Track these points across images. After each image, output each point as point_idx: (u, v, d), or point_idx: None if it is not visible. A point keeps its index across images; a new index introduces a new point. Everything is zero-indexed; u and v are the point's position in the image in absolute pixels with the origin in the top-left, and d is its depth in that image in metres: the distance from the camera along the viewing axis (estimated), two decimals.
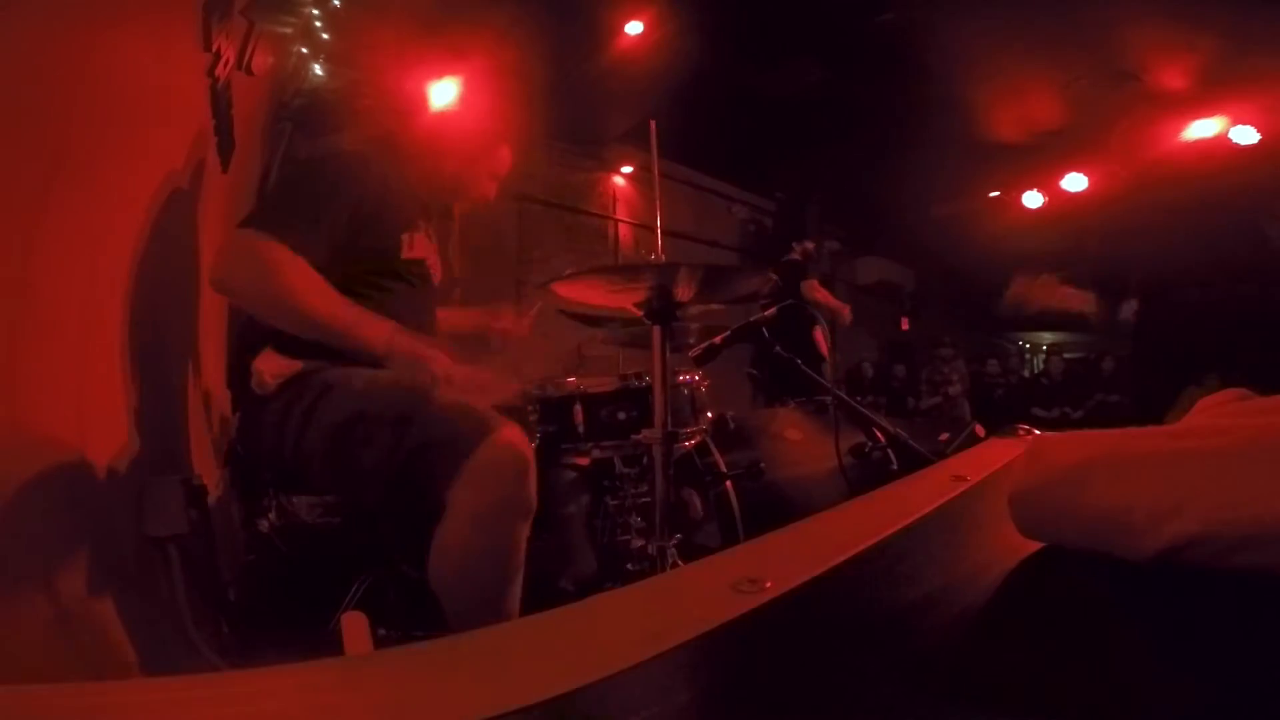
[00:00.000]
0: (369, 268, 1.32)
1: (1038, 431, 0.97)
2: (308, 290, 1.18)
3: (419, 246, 1.40)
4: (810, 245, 3.83)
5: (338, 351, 1.25)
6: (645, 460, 1.84)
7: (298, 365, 1.24)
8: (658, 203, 1.40)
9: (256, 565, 1.77)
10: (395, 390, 1.23)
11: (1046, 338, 11.14)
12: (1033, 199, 6.90)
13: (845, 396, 1.77)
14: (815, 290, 3.55)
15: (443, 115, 1.56)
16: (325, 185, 1.27)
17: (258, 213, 1.26)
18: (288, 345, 1.25)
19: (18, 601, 0.95)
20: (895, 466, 1.59)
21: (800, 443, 2.12)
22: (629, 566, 1.70)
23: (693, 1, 4.02)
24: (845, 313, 3.77)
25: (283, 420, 1.22)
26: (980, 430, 3.01)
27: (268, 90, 2.74)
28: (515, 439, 1.13)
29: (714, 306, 1.45)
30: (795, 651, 0.36)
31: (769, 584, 0.41)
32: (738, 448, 2.06)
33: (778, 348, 1.72)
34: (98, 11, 1.22)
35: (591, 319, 1.86)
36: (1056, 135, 5.83)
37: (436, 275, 1.49)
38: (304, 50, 2.84)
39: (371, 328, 1.23)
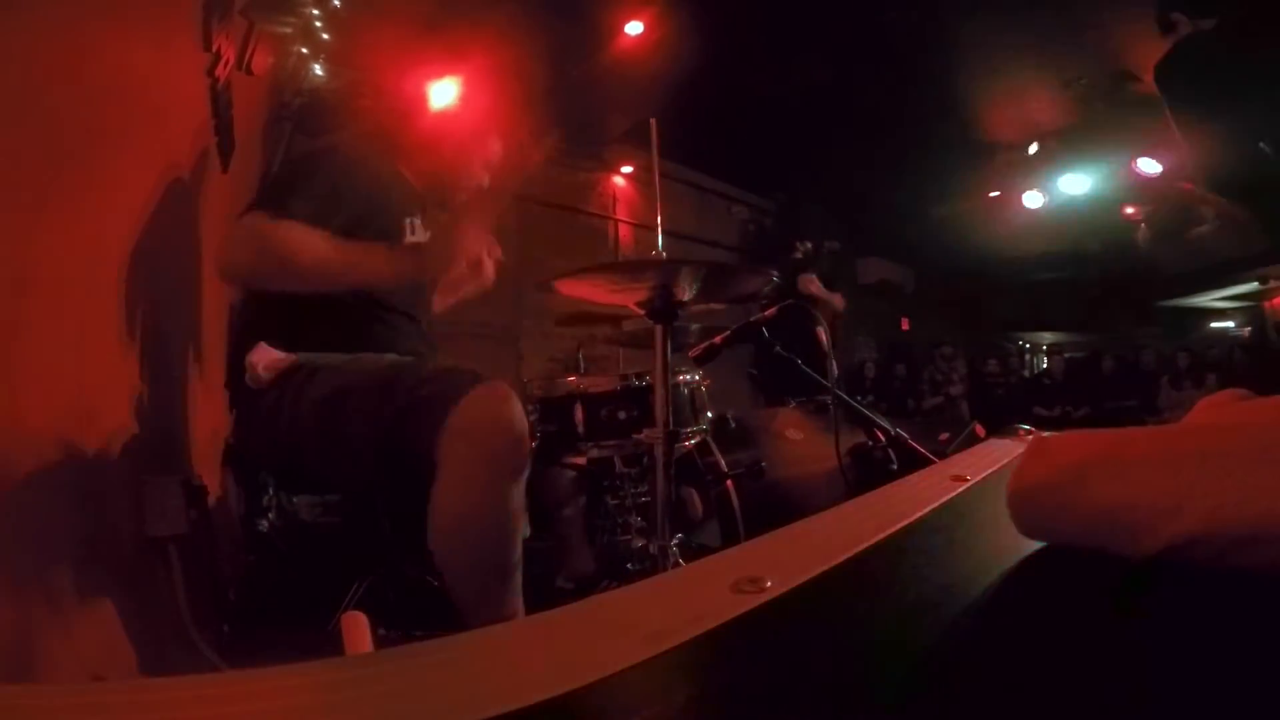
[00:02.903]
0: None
1: (1038, 431, 0.97)
2: (313, 244, 1.20)
3: (419, 234, 1.41)
4: (811, 245, 3.83)
5: (328, 343, 1.26)
6: (645, 460, 1.84)
7: (291, 358, 1.25)
8: (658, 200, 1.39)
9: (256, 565, 1.77)
10: (377, 361, 1.24)
11: (1046, 337, 11.14)
12: (1033, 199, 6.90)
13: (846, 396, 1.77)
14: (810, 284, 3.54)
15: (442, 114, 1.57)
16: (316, 169, 1.28)
17: (258, 199, 1.27)
18: (279, 339, 1.25)
19: (18, 601, 0.95)
20: (895, 466, 1.59)
21: (800, 442, 2.12)
22: (629, 566, 1.70)
23: (693, 1, 4.02)
24: (837, 301, 3.74)
25: (275, 411, 1.22)
26: (980, 430, 3.01)
27: (268, 90, 2.74)
28: (500, 393, 1.12)
29: (715, 306, 1.45)
30: (795, 651, 0.36)
31: (769, 584, 0.41)
32: (738, 447, 2.07)
33: (778, 347, 1.72)
34: (98, 11, 1.22)
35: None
36: (1056, 135, 5.83)
37: None
38: (304, 50, 2.84)
39: (387, 251, 1.27)
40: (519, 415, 1.13)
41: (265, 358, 1.24)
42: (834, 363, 3.21)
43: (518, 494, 1.13)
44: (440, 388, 1.12)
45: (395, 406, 1.13)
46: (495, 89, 1.66)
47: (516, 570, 1.13)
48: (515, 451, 1.12)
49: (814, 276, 3.59)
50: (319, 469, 1.27)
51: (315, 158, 1.39)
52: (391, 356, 1.27)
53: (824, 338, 2.74)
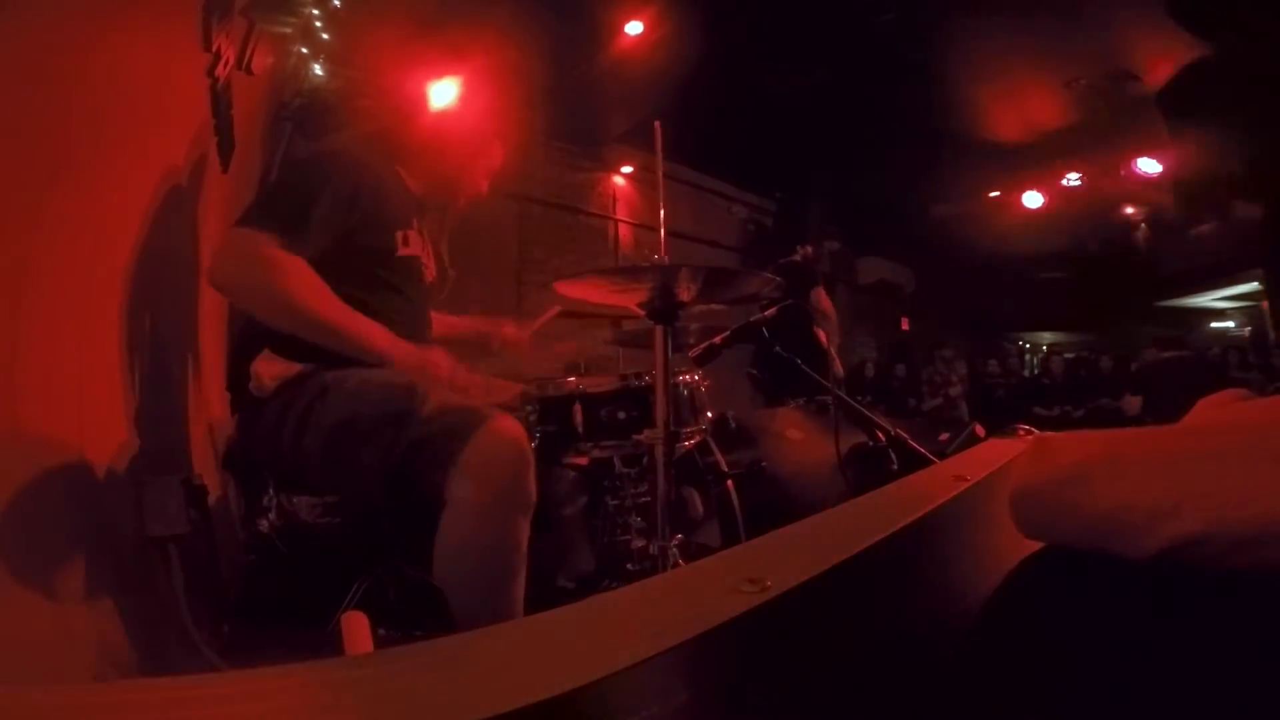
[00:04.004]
0: (362, 262, 1.31)
1: (1038, 431, 0.97)
2: (307, 292, 1.18)
3: (413, 244, 1.41)
4: (810, 249, 3.82)
5: (335, 353, 1.25)
6: (645, 460, 1.83)
7: (295, 367, 1.24)
8: (661, 203, 1.39)
9: (256, 565, 1.77)
10: (390, 389, 1.23)
11: (1046, 338, 11.15)
12: (1033, 199, 6.90)
13: (845, 396, 1.77)
14: (821, 299, 3.52)
15: (442, 114, 1.56)
16: (321, 180, 1.26)
17: (254, 209, 1.25)
18: (285, 347, 1.25)
19: (18, 601, 0.95)
20: (895, 466, 1.59)
21: (800, 442, 2.12)
22: (629, 566, 1.69)
23: (693, 1, 4.03)
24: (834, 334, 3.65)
25: (280, 422, 1.22)
26: (980, 430, 3.01)
27: (268, 90, 2.74)
28: (511, 431, 1.13)
29: (715, 306, 1.45)
30: (795, 651, 0.36)
31: (769, 584, 0.41)
32: (739, 447, 2.06)
33: (778, 348, 1.72)
34: (98, 11, 1.22)
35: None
36: (1056, 135, 5.84)
37: (430, 274, 1.50)
38: (304, 50, 2.85)
39: (372, 332, 1.24)
40: (527, 452, 1.14)
41: (270, 368, 1.24)
42: (837, 363, 3.21)
43: (525, 527, 1.15)
44: (451, 424, 1.13)
45: (406, 441, 1.14)
46: (495, 90, 1.66)
47: (519, 598, 1.15)
48: (523, 488, 1.13)
49: (823, 291, 3.56)
50: (324, 487, 1.27)
51: (310, 165, 1.38)
52: (401, 378, 1.27)
53: (825, 337, 2.74)
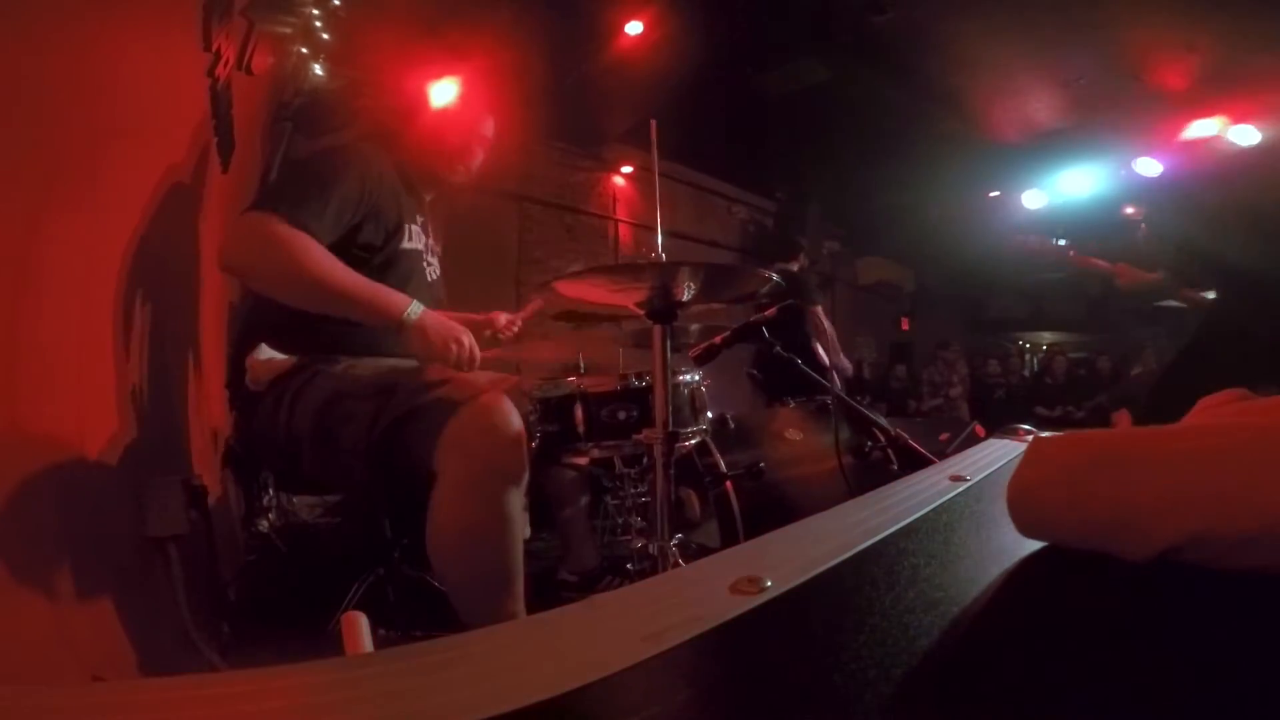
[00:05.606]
0: (366, 257, 1.31)
1: (1038, 431, 0.97)
2: (320, 261, 1.17)
3: (416, 239, 1.41)
4: (806, 261, 3.79)
5: (330, 345, 1.25)
6: (645, 460, 1.84)
7: (291, 360, 1.24)
8: (657, 201, 1.39)
9: (256, 565, 1.77)
10: (376, 367, 1.23)
11: (1046, 338, 11.14)
12: (1033, 199, 6.90)
13: (845, 396, 1.77)
14: (819, 320, 3.46)
15: (441, 111, 1.57)
16: (330, 174, 1.26)
17: (263, 194, 1.25)
18: (281, 342, 1.25)
19: (18, 601, 0.95)
20: (895, 466, 1.59)
21: (800, 443, 2.12)
22: (629, 566, 1.70)
23: (693, 1, 4.02)
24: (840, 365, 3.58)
25: (274, 412, 1.22)
26: (980, 430, 3.01)
27: (268, 90, 2.74)
28: (499, 404, 1.12)
29: (714, 306, 1.45)
30: (795, 652, 0.36)
31: (768, 584, 0.41)
32: (738, 448, 2.06)
33: (778, 348, 1.72)
34: (98, 11, 1.22)
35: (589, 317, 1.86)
36: (1056, 135, 5.84)
37: (434, 269, 1.50)
38: (304, 50, 2.84)
39: (390, 294, 1.23)
40: (516, 423, 1.12)
41: (265, 359, 1.24)
42: (842, 362, 3.17)
43: (517, 499, 1.13)
44: (438, 397, 1.12)
45: (392, 415, 1.13)
46: (495, 89, 1.67)
47: (518, 577, 1.13)
48: (513, 458, 1.12)
49: (820, 310, 3.48)
50: (316, 473, 1.26)
51: (323, 160, 1.37)
52: (391, 361, 1.27)
53: (821, 350, 2.74)
